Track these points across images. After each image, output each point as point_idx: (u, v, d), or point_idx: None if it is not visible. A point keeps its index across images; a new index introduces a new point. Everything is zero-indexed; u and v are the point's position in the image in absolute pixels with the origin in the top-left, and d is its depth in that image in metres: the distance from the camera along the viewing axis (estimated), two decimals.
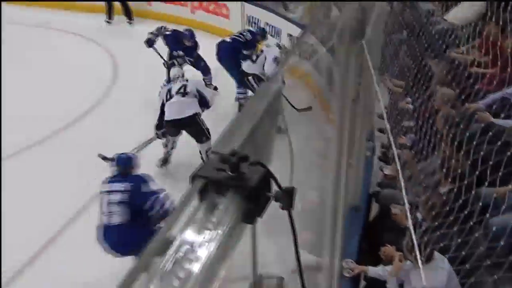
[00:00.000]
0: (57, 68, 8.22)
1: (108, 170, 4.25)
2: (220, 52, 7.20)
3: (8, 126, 6.42)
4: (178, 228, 0.74)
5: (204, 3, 10.25)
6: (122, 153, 4.27)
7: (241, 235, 0.81)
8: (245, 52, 7.05)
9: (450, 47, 4.52)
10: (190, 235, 0.73)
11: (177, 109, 5.37)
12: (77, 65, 8.29)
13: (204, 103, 5.57)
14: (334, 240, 2.48)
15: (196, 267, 0.68)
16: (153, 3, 11.03)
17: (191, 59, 7.25)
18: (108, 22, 10.60)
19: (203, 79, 7.24)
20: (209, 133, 5.42)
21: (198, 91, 5.56)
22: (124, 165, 4.09)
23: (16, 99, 7.22)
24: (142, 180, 3.97)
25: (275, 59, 6.20)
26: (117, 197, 3.85)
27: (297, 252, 0.93)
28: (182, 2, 10.60)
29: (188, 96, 5.43)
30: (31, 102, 7.18)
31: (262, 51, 6.88)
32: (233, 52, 7.06)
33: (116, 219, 3.82)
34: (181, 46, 7.17)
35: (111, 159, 4.30)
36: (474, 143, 2.81)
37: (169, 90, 5.57)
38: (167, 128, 5.51)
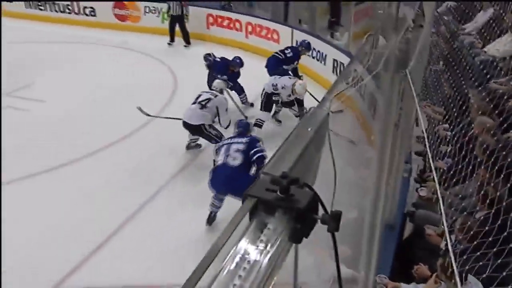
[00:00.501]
0: (129, 81, 8.66)
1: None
2: (267, 66, 7.65)
3: (88, 129, 6.83)
4: (230, 243, 0.73)
5: (257, 29, 10.38)
6: (241, 119, 5.75)
7: (287, 253, 0.80)
8: (284, 67, 7.40)
9: (491, 78, 4.38)
10: (241, 250, 0.72)
11: (190, 115, 5.77)
12: (145, 79, 8.69)
13: (219, 121, 5.92)
14: (370, 256, 2.42)
15: (247, 282, 0.67)
16: (212, 27, 11.27)
17: (232, 84, 7.34)
18: (169, 44, 10.93)
19: (240, 97, 7.59)
20: (218, 136, 5.75)
21: (217, 109, 5.86)
22: (244, 128, 5.09)
23: (95, 105, 7.67)
24: (256, 140, 4.83)
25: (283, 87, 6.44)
26: (239, 146, 4.63)
27: (338, 272, 0.90)
28: (238, 27, 10.79)
29: (205, 110, 5.74)
30: (107, 109, 7.57)
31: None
32: (274, 67, 7.41)
33: (235, 162, 4.53)
34: (227, 72, 7.26)
35: (147, 114, 6.30)
36: None
37: (198, 96, 5.95)
38: (183, 126, 5.93)
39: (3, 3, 13.02)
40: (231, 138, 4.89)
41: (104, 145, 6.50)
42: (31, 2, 13.42)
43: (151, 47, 10.64)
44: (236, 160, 4.54)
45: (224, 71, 7.23)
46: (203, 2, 11.38)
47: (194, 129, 5.83)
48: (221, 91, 6.26)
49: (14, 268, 4.32)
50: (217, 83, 6.42)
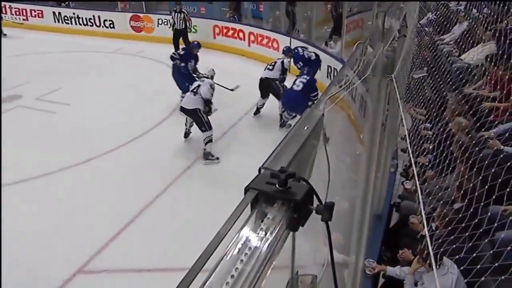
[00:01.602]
0: (145, 85, 8.74)
1: None
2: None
3: (108, 128, 6.88)
4: (233, 231, 0.72)
5: (259, 39, 10.36)
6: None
7: (285, 240, 0.79)
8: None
9: (467, 83, 4.40)
10: (243, 237, 0.72)
11: (186, 101, 6.01)
12: (158, 84, 8.71)
13: (204, 101, 5.96)
14: (360, 242, 2.41)
15: (248, 266, 0.66)
16: (218, 37, 11.26)
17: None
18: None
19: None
20: (208, 125, 5.89)
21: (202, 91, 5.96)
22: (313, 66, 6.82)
23: (115, 107, 7.72)
24: (315, 80, 6.42)
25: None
26: (303, 80, 6.21)
27: (332, 257, 0.89)
28: (241, 37, 10.77)
29: (197, 95, 5.92)
30: (125, 111, 7.64)
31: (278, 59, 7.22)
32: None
33: (298, 88, 6.16)
34: (193, 56, 7.71)
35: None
36: (485, 165, 2.70)
37: (192, 86, 6.18)
38: (180, 110, 6.19)
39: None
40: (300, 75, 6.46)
41: (123, 143, 6.52)
42: (59, 16, 13.49)
43: (163, 55, 10.59)
44: (298, 86, 6.16)
45: (191, 57, 7.62)
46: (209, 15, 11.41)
47: (189, 113, 6.00)
48: (211, 77, 6.49)
49: (44, 249, 4.37)
50: (208, 70, 6.69)
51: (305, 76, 6.33)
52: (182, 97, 6.71)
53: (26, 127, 7.10)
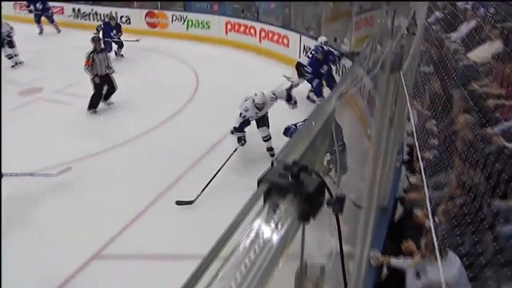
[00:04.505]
0: (160, 78, 8.77)
1: None
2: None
3: (125, 118, 6.99)
4: (247, 222, 0.71)
5: (270, 35, 10.29)
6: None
7: (296, 231, 0.78)
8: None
9: (472, 81, 4.32)
10: (256, 228, 0.71)
11: None
12: (172, 77, 8.82)
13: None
14: (366, 234, 2.40)
15: (262, 255, 0.66)
16: (230, 33, 11.22)
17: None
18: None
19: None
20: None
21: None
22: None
23: (131, 98, 7.77)
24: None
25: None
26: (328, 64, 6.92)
27: (341, 248, 0.88)
28: (252, 33, 10.71)
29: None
30: (142, 102, 7.70)
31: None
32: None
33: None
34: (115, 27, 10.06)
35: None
36: (489, 161, 2.66)
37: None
38: None
39: None
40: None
41: (140, 132, 6.60)
42: (78, 13, 13.57)
43: (177, 50, 10.63)
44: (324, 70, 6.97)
45: (117, 28, 9.97)
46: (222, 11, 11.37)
47: None
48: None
49: (62, 234, 4.46)
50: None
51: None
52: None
53: (49, 117, 7.20)
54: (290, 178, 0.77)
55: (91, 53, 7.06)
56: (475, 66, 4.91)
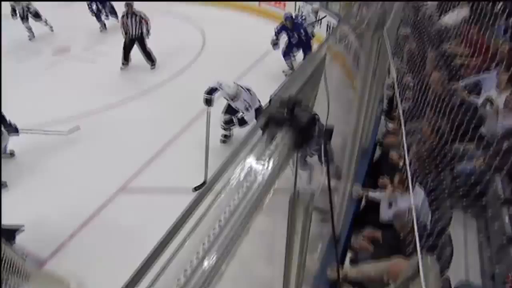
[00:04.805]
0: (171, 40, 8.33)
1: None
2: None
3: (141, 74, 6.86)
4: (247, 150, 0.71)
5: None
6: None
7: (290, 158, 0.77)
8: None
9: (444, 42, 4.26)
10: (254, 156, 0.70)
11: None
12: (181, 39, 8.49)
13: None
14: (349, 171, 2.42)
15: (258, 179, 0.65)
16: None
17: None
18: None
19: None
20: None
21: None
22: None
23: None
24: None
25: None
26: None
27: (329, 176, 0.88)
28: None
29: None
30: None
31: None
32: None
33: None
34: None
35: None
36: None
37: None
38: None
39: None
40: None
41: (154, 85, 6.54)
42: None
43: (188, 14, 10.09)
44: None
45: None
46: None
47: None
48: None
49: (91, 170, 4.55)
50: None
51: None
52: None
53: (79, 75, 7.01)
54: (285, 112, 0.75)
55: (122, 16, 6.95)
56: (446, 29, 4.76)
